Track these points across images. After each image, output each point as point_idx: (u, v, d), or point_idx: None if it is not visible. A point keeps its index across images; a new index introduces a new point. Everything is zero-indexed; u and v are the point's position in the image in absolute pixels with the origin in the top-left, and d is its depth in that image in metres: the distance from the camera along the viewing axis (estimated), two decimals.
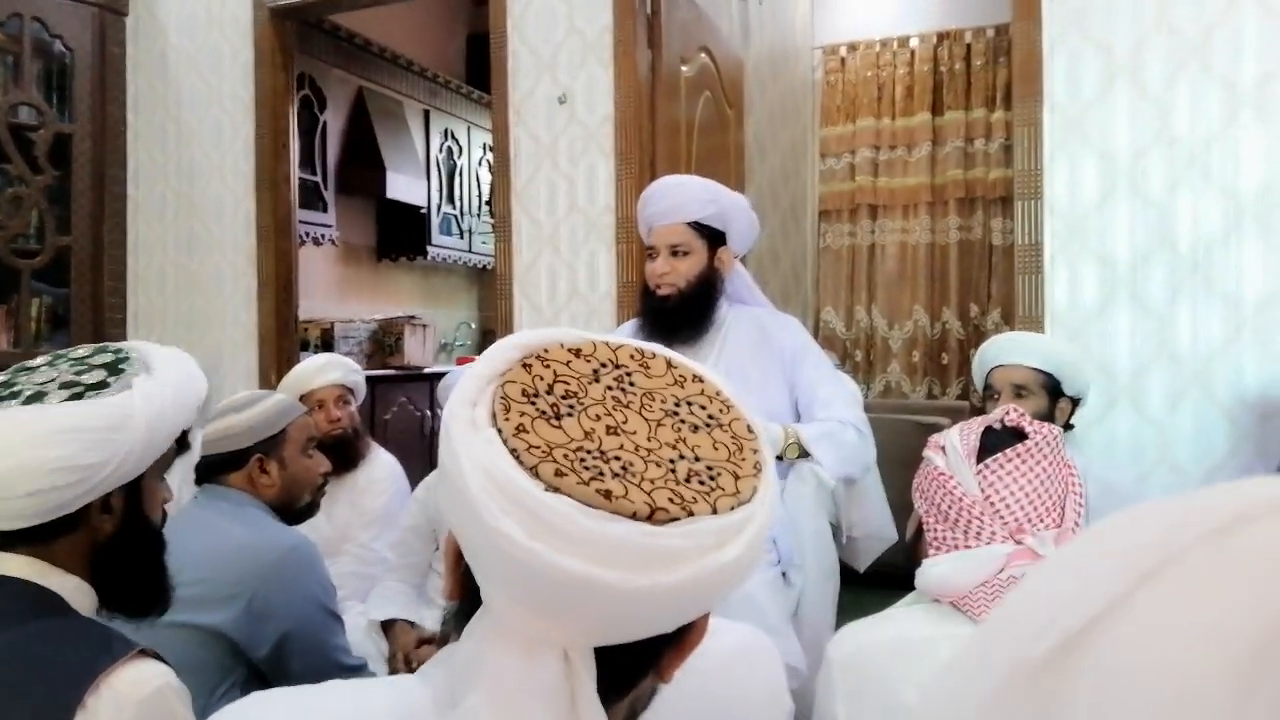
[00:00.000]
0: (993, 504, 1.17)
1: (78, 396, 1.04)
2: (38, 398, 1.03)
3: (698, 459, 0.63)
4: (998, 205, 5.19)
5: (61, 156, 3.50)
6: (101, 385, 1.06)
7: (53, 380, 1.06)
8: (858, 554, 2.19)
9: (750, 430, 0.67)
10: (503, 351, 0.66)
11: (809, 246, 5.56)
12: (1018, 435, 1.22)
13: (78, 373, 1.07)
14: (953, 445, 1.24)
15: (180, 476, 2.80)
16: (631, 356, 0.69)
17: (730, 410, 0.68)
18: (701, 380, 0.70)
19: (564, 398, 0.63)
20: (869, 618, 1.26)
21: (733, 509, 0.60)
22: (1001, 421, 1.26)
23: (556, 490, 0.57)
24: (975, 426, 1.26)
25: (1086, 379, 2.03)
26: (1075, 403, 2.02)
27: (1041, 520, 1.17)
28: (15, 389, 1.05)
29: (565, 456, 0.59)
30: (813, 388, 2.13)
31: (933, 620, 1.20)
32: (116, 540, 1.14)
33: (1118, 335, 2.40)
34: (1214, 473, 2.29)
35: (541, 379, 0.64)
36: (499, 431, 0.60)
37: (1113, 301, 2.40)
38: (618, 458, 0.60)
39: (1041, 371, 1.97)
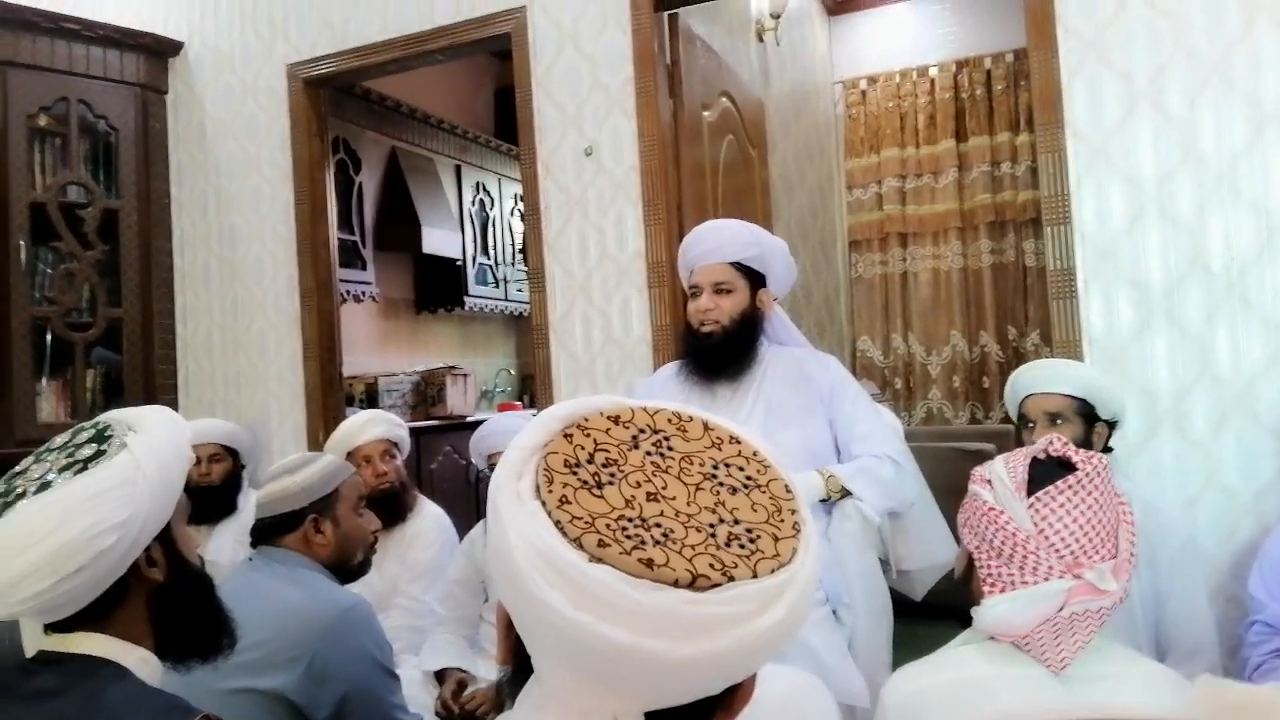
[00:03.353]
0: (1047, 538, 1.15)
1: (83, 470, 1.08)
2: (45, 486, 1.07)
3: (737, 522, 0.63)
4: (1029, 227, 5.17)
5: (109, 231, 3.62)
6: (99, 454, 1.10)
7: (49, 469, 1.09)
8: (913, 584, 2.17)
9: (788, 490, 0.68)
10: (545, 423, 0.68)
11: (841, 278, 5.57)
12: (1065, 466, 1.21)
13: (70, 454, 1.11)
14: (1000, 478, 1.22)
15: (234, 539, 2.88)
16: (669, 421, 0.70)
17: (768, 470, 0.69)
18: (739, 441, 0.71)
19: (605, 466, 0.65)
20: (922, 660, 1.24)
21: (773, 572, 0.61)
22: (1046, 452, 1.24)
23: (600, 561, 0.58)
24: (1020, 458, 1.24)
25: (1121, 401, 2.00)
26: (1111, 426, 2.00)
27: (1097, 552, 1.15)
28: (18, 490, 1.08)
29: (608, 526, 0.60)
30: (851, 424, 2.14)
31: (989, 660, 1.19)
32: (169, 588, 1.17)
33: (1157, 359, 2.38)
34: (1263, 493, 2.25)
35: (583, 448, 0.65)
36: (543, 504, 0.62)
37: (1149, 325, 2.39)
38: (658, 525, 0.61)
39: (1075, 398, 1.95)
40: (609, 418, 0.69)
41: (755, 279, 2.19)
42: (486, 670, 2.51)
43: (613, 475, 0.64)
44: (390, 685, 1.79)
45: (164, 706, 1.08)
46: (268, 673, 1.62)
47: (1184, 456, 2.34)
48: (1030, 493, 1.19)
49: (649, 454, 0.67)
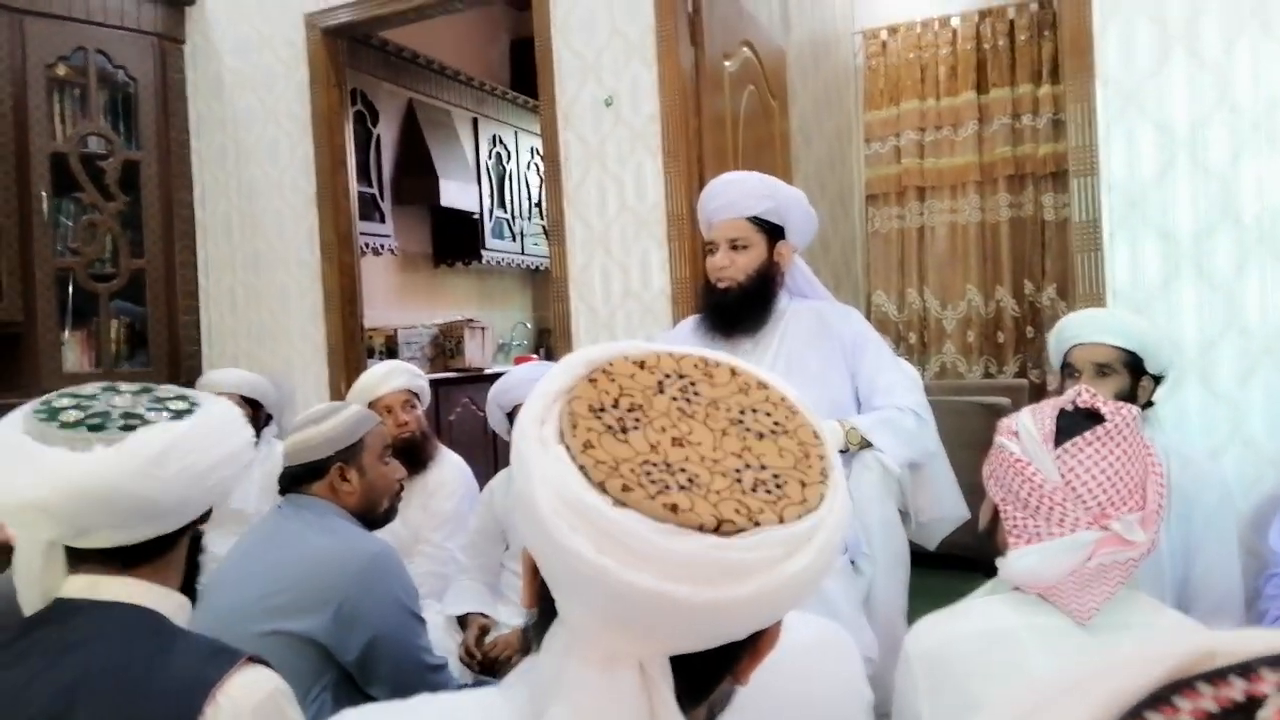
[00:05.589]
0: (1074, 489, 1.13)
1: (182, 416, 1.14)
2: (187, 413, 1.14)
3: (763, 467, 0.62)
4: (1048, 181, 5.11)
5: (131, 182, 3.63)
6: (193, 408, 1.16)
7: (136, 404, 1.13)
8: (928, 534, 2.19)
9: (816, 436, 0.66)
10: (568, 368, 0.67)
11: (858, 231, 5.53)
12: (1093, 417, 1.18)
13: (156, 399, 1.16)
14: (1026, 430, 1.20)
15: (261, 487, 2.92)
16: (695, 366, 0.69)
17: (796, 416, 0.67)
18: (766, 387, 0.69)
19: (629, 411, 0.63)
20: (947, 609, 1.24)
21: (800, 517, 0.60)
22: (1074, 403, 1.22)
23: (624, 505, 0.57)
24: (1048, 410, 1.21)
25: (1170, 355, 1.93)
26: (1157, 380, 1.94)
27: (1125, 503, 1.14)
28: (121, 409, 1.11)
29: (632, 471, 0.59)
30: (873, 376, 2.14)
31: (1015, 610, 1.18)
32: (195, 539, 1.24)
33: (1183, 310, 2.35)
34: None
35: (607, 393, 0.64)
36: (567, 448, 0.60)
37: (1176, 276, 2.36)
38: (684, 470, 0.60)
39: (1124, 350, 1.88)
40: (634, 363, 0.67)
41: (774, 232, 2.17)
42: (508, 615, 2.55)
43: (638, 420, 0.63)
44: (417, 629, 1.83)
45: (209, 651, 1.10)
46: (298, 616, 1.66)
47: (1209, 408, 2.33)
48: (1058, 444, 1.17)
49: (674, 399, 0.65)
